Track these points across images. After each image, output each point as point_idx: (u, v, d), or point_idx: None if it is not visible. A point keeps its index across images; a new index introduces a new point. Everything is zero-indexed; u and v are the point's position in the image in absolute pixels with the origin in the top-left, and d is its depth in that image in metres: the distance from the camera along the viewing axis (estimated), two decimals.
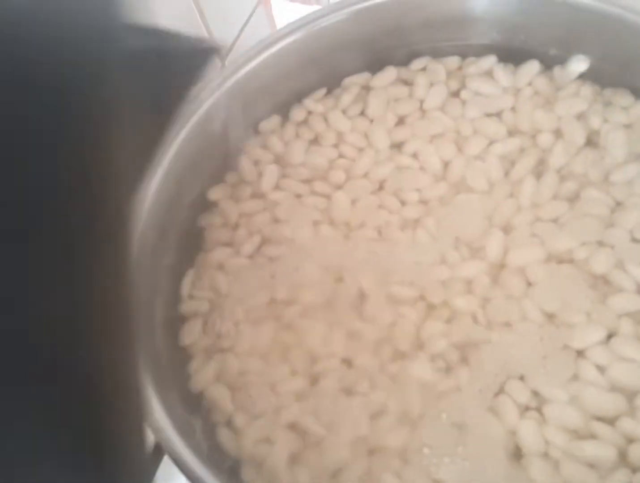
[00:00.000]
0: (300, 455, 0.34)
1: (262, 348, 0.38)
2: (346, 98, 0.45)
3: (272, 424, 0.35)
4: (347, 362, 0.37)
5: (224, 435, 0.35)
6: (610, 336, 0.34)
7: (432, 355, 0.36)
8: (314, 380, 0.36)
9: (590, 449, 0.31)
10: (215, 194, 0.43)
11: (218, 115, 0.43)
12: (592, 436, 0.32)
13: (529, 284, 0.37)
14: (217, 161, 0.44)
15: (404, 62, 0.47)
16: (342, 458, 0.33)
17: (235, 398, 0.36)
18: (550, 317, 0.35)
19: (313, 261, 0.40)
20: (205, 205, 0.43)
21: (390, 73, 0.46)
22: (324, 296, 0.39)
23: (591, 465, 0.31)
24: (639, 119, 0.42)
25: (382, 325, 0.37)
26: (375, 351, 0.37)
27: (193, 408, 0.36)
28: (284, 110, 0.46)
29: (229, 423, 0.35)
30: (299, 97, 0.46)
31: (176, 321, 0.39)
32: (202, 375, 0.37)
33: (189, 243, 0.42)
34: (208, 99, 0.42)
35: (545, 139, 0.42)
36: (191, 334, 0.38)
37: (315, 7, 0.49)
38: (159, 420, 0.31)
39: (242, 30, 0.54)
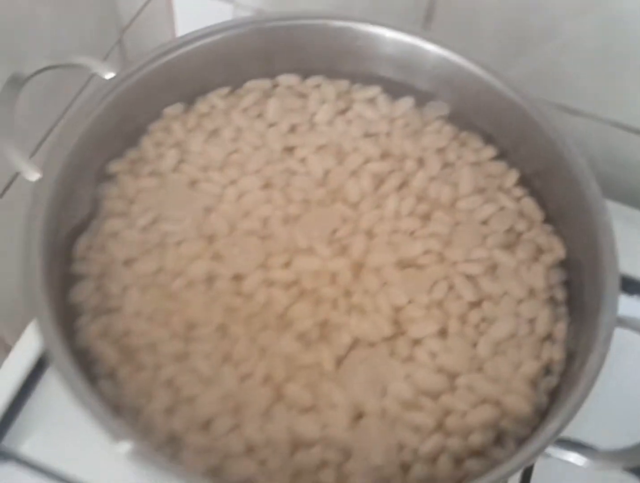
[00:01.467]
0: (174, 407, 0.38)
1: (146, 313, 0.41)
2: (248, 99, 0.50)
3: (151, 380, 0.39)
4: (222, 331, 0.41)
5: (105, 386, 0.38)
6: (442, 330, 0.42)
7: (298, 331, 0.42)
8: (191, 343, 0.41)
9: (416, 417, 0.39)
10: (115, 167, 0.47)
11: (125, 101, 0.47)
12: (419, 407, 0.39)
13: (384, 282, 0.44)
14: (122, 141, 0.48)
15: (302, 76, 0.53)
16: (211, 412, 0.38)
17: (119, 354, 0.40)
18: (397, 310, 0.43)
19: (198, 239, 0.44)
20: (106, 178, 0.46)
21: (289, 83, 0.52)
22: (205, 272, 0.43)
23: (416, 429, 0.39)
24: (486, 160, 0.51)
25: (256, 303, 0.42)
26: (247, 323, 0.42)
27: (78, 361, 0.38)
28: (188, 100, 0.50)
29: (112, 376, 0.39)
30: (204, 91, 0.51)
31: (69, 280, 0.42)
32: (89, 331, 0.40)
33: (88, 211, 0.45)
34: (116, 88, 0.46)
35: (410, 164, 0.49)
36: (81, 293, 0.41)
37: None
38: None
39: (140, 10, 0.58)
